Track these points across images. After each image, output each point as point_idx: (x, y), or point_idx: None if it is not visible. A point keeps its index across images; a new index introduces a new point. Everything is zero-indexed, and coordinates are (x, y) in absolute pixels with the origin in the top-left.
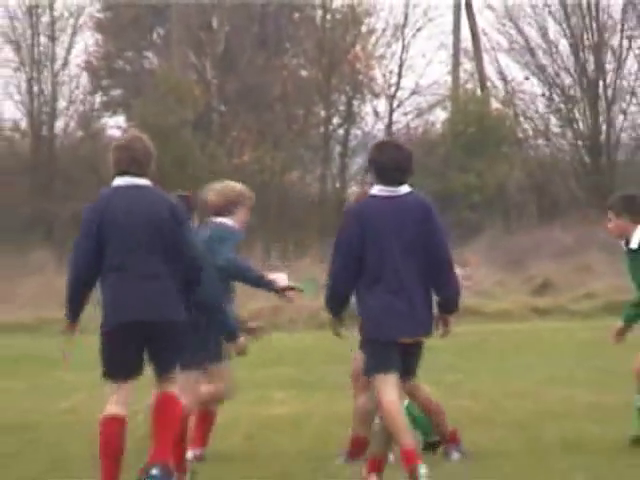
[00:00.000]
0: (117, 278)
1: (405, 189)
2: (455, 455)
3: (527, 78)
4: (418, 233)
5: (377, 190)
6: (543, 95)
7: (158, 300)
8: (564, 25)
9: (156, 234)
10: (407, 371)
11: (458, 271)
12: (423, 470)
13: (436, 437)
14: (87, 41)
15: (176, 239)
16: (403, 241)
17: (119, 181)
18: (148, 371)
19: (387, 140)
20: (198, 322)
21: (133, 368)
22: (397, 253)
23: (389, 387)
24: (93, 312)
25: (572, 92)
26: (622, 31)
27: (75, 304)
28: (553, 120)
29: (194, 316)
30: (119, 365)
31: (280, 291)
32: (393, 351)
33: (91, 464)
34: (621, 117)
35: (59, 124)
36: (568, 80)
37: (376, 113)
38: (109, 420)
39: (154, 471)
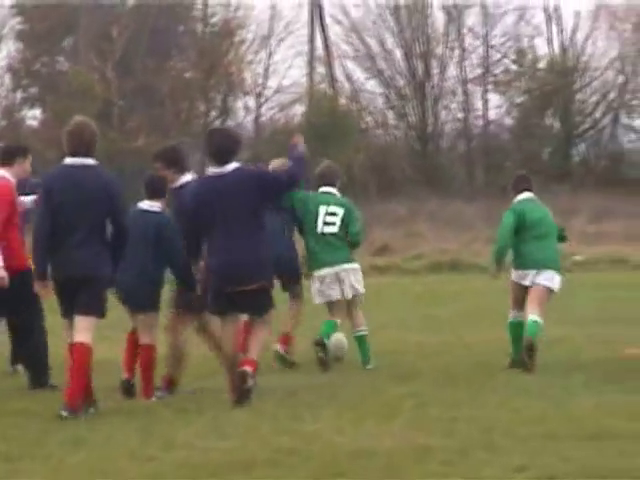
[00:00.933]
0: (58, 242)
1: (232, 166)
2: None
3: (368, 79)
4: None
5: (209, 170)
6: (382, 94)
7: (82, 260)
8: (398, 37)
9: (92, 205)
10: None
11: None
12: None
13: None
14: (10, 48)
15: (109, 210)
16: (233, 207)
17: (69, 160)
18: None
19: (215, 128)
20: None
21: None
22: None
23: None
24: None
25: (405, 92)
26: (445, 42)
27: (41, 258)
28: (390, 114)
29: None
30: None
31: None
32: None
33: None
34: (444, 112)
35: None
36: (402, 82)
37: (246, 108)
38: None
39: (64, 413)
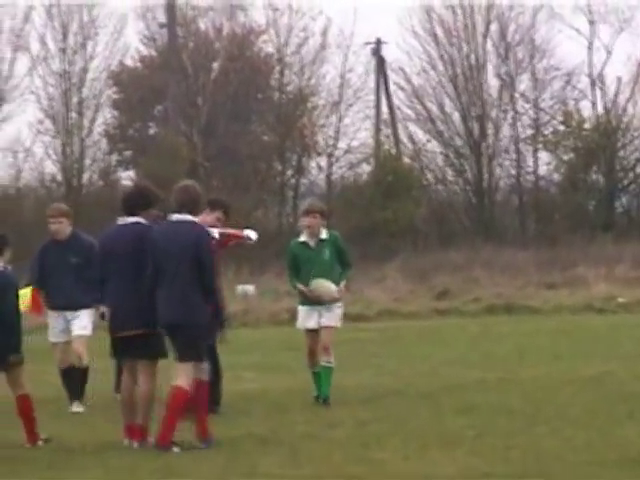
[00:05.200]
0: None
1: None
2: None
3: (429, 140)
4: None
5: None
6: (441, 153)
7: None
8: (456, 101)
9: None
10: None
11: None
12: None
13: None
14: (106, 115)
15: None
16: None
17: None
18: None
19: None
20: None
21: None
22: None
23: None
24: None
25: (463, 151)
26: (499, 106)
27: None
28: (449, 171)
29: None
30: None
31: None
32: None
33: None
34: (499, 169)
35: (85, 176)
36: (459, 142)
37: (319, 167)
38: None
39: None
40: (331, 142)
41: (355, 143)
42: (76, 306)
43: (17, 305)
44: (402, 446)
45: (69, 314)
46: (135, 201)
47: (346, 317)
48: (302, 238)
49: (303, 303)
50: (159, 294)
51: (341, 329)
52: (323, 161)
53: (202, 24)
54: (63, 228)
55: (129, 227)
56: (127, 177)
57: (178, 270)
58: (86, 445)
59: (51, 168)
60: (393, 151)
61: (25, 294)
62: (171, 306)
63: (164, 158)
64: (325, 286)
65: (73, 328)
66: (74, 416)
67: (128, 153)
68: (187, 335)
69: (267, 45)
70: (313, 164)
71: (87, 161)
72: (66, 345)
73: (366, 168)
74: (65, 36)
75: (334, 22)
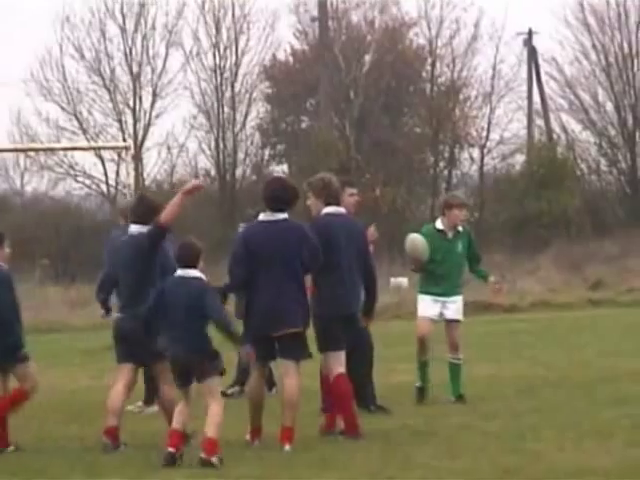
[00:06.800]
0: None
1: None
2: None
3: (582, 130)
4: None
5: (262, 216)
6: (594, 143)
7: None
8: (609, 91)
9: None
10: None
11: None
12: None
13: None
14: (259, 109)
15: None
16: (282, 254)
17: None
18: None
19: (272, 177)
20: None
21: None
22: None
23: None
24: None
25: (616, 140)
26: None
27: None
28: (602, 161)
29: None
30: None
31: None
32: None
33: None
34: None
35: (238, 171)
36: (613, 132)
37: (471, 158)
38: None
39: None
40: (483, 133)
41: (507, 134)
42: None
43: (13, 302)
44: (557, 437)
45: None
46: (285, 197)
47: (499, 308)
48: (439, 226)
49: (426, 292)
50: (335, 285)
51: (494, 320)
52: (475, 153)
53: (354, 17)
54: None
55: (281, 224)
56: (280, 171)
57: (350, 262)
58: (241, 438)
59: (204, 163)
60: (546, 142)
61: None
62: (350, 297)
63: (316, 152)
64: (413, 243)
65: None
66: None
67: (281, 147)
68: (355, 324)
69: (418, 37)
70: (465, 156)
71: (240, 155)
72: None
73: (519, 159)
74: (218, 31)
75: (486, 13)
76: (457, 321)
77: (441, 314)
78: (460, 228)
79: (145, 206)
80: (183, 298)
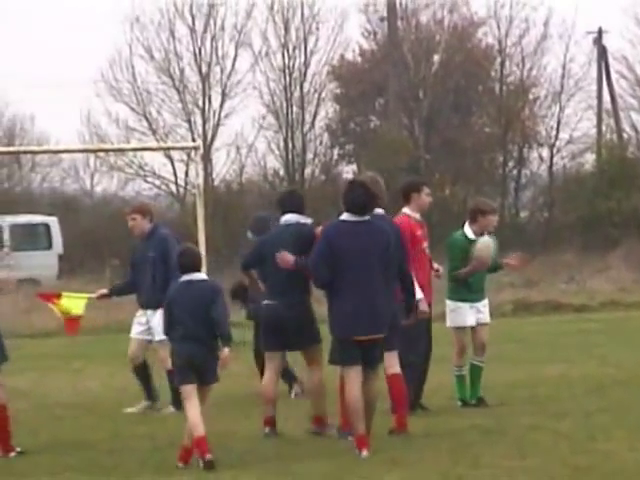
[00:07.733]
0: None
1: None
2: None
3: None
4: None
5: (345, 216)
6: None
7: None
8: None
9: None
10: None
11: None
12: (365, 454)
13: None
14: (327, 109)
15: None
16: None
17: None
18: None
19: (353, 180)
20: None
21: None
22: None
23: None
24: None
25: None
26: None
27: None
28: None
29: None
30: None
31: None
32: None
33: None
34: None
35: (307, 171)
36: None
37: (541, 158)
38: None
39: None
40: (553, 133)
41: (577, 133)
42: (153, 305)
43: None
44: (628, 437)
45: (150, 312)
46: (368, 201)
47: (569, 308)
48: (471, 235)
49: (462, 299)
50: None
51: (564, 320)
52: (545, 152)
53: (423, 17)
54: (137, 224)
55: (365, 225)
56: (348, 171)
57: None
58: (312, 435)
59: (273, 163)
60: (616, 141)
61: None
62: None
63: (385, 152)
64: (489, 248)
65: (154, 332)
66: (290, 408)
67: (349, 147)
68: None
69: (487, 36)
70: (535, 155)
71: (309, 155)
72: (140, 343)
73: (588, 158)
74: (287, 31)
75: (555, 12)
76: (488, 325)
77: (477, 320)
78: (486, 233)
79: (298, 197)
80: (197, 301)
